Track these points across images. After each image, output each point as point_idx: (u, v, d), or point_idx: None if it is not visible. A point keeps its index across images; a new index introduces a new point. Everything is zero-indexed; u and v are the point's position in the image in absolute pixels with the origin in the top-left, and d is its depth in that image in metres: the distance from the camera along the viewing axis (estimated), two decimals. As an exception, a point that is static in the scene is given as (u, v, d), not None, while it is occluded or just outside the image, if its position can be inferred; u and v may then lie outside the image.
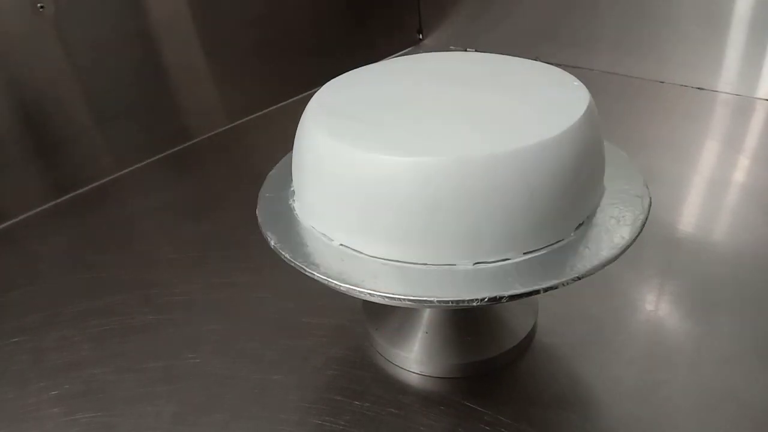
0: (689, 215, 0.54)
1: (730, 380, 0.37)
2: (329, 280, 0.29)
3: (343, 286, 0.29)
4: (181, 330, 0.45)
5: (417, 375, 0.39)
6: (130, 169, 0.69)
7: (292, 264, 0.31)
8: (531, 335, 0.40)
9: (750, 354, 0.39)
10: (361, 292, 0.28)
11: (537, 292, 0.27)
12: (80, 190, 0.66)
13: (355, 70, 0.38)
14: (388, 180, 0.28)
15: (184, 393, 0.39)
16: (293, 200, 0.36)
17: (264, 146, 0.75)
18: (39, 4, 0.58)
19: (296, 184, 0.35)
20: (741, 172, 0.60)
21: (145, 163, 0.71)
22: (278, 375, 0.40)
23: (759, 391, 0.36)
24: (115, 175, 0.68)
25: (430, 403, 0.37)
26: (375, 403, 0.37)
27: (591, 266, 0.28)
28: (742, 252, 0.48)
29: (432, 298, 0.28)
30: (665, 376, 0.38)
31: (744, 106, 0.73)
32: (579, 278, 0.28)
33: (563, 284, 0.28)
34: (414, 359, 0.39)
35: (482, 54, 0.40)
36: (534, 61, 0.37)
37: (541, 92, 0.33)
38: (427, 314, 0.40)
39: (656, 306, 0.43)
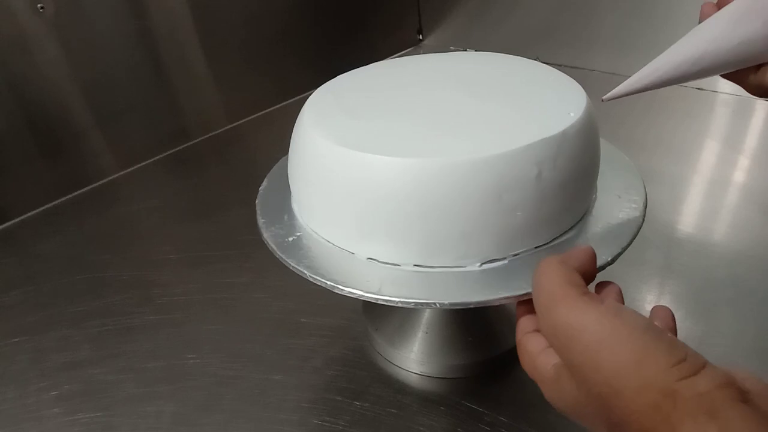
0: (689, 215, 0.54)
1: (730, 380, 0.37)
2: (296, 267, 0.30)
3: (311, 277, 0.29)
4: (181, 330, 0.45)
5: (417, 375, 0.39)
6: (130, 169, 0.70)
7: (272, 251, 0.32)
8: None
9: (750, 354, 0.39)
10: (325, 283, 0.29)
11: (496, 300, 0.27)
12: (80, 190, 0.66)
13: (353, 70, 0.38)
14: (378, 179, 0.28)
15: (184, 393, 0.39)
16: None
17: (264, 146, 0.75)
18: (39, 4, 0.58)
19: (290, 180, 0.35)
20: (741, 172, 0.60)
21: (145, 163, 0.71)
22: (278, 375, 0.40)
23: (759, 391, 0.36)
24: (115, 175, 0.68)
25: (430, 403, 0.37)
26: (375, 403, 0.37)
27: None
28: (741, 252, 0.49)
29: (395, 298, 0.28)
30: (665, 376, 0.38)
31: (744, 106, 0.73)
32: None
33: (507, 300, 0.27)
34: (414, 359, 0.39)
35: (479, 54, 0.40)
36: (533, 62, 0.37)
37: (536, 96, 0.33)
38: (426, 314, 0.40)
39: (656, 306, 0.43)
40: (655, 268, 0.47)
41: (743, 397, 0.17)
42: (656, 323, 0.25)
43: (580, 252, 0.24)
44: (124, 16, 0.65)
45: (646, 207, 0.32)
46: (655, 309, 0.26)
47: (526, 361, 0.25)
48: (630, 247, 0.30)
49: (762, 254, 0.48)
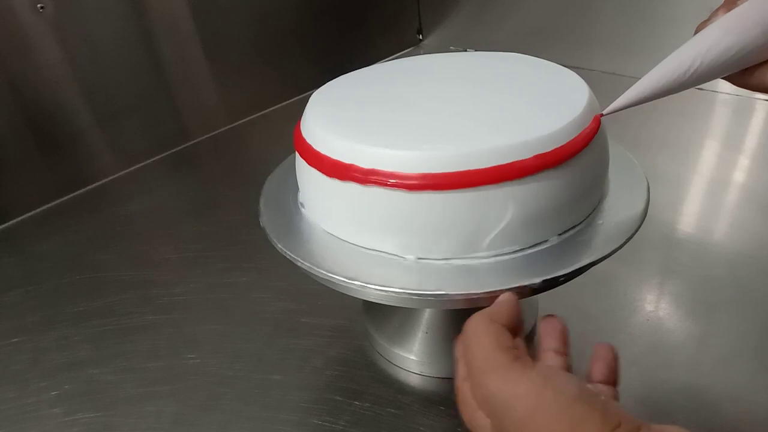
0: (689, 215, 0.54)
1: (730, 380, 0.37)
2: (294, 256, 0.30)
3: (298, 261, 0.30)
4: (181, 330, 0.45)
5: (417, 375, 0.39)
6: (130, 169, 0.70)
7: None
8: (531, 336, 0.40)
9: (750, 354, 0.39)
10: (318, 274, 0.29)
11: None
12: (80, 190, 0.66)
13: (352, 72, 0.38)
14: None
15: (184, 393, 0.39)
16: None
17: (264, 146, 0.75)
18: (39, 4, 0.58)
19: (298, 178, 0.35)
20: (741, 172, 0.60)
21: (145, 163, 0.71)
22: (278, 375, 0.40)
23: (759, 391, 0.36)
24: (115, 175, 0.68)
25: (430, 403, 0.37)
26: (375, 403, 0.37)
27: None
28: (741, 252, 0.48)
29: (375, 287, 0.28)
30: (665, 376, 0.38)
31: (744, 106, 0.73)
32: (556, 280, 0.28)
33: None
34: (414, 359, 0.39)
35: (480, 53, 0.39)
36: (534, 58, 0.37)
37: (539, 93, 0.33)
38: (426, 314, 0.40)
39: (656, 306, 0.43)
40: (655, 268, 0.47)
41: None
42: (598, 364, 0.25)
43: (506, 306, 0.24)
44: (124, 16, 0.65)
45: (647, 204, 0.32)
46: (597, 348, 0.26)
47: (466, 411, 0.24)
48: (630, 247, 0.30)
49: (762, 254, 0.48)
